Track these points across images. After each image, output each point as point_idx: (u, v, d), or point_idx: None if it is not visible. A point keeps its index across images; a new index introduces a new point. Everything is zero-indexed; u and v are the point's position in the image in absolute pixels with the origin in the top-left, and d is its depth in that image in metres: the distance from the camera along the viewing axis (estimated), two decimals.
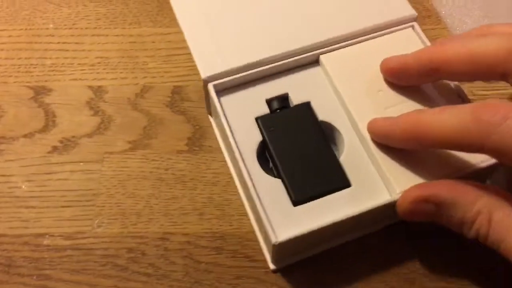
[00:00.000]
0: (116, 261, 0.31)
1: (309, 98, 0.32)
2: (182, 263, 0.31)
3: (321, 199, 0.29)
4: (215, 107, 0.32)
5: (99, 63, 0.39)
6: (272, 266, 0.31)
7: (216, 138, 0.35)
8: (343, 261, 0.31)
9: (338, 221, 0.27)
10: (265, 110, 0.32)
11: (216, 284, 0.30)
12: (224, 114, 0.31)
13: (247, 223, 0.32)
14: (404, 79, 0.30)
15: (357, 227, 0.31)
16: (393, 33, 0.34)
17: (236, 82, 0.32)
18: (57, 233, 0.32)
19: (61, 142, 0.36)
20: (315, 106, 0.32)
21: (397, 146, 0.28)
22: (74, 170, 0.35)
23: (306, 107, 0.32)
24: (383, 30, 0.34)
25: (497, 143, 0.21)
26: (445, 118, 0.23)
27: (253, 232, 0.32)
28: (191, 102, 0.37)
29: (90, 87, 0.38)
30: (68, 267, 0.31)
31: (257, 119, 0.31)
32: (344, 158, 0.30)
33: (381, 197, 0.28)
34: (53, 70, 0.39)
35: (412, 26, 0.34)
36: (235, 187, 0.34)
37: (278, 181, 0.29)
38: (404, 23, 0.34)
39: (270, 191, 0.29)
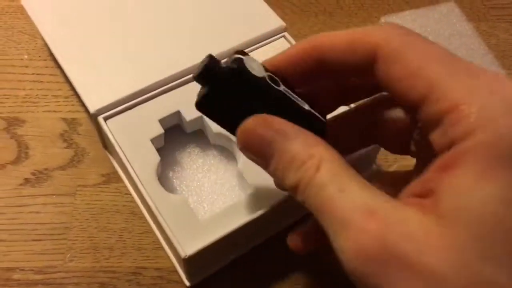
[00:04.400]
0: None
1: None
2: None
3: (224, 208, 0.30)
4: (107, 138, 0.33)
5: (73, 95, 0.40)
6: (187, 283, 0.31)
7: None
8: (256, 265, 0.32)
9: (238, 227, 0.29)
10: (157, 129, 0.33)
11: None
12: (117, 142, 0.32)
13: None
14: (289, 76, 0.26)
15: (263, 230, 0.32)
16: (268, 45, 0.37)
17: (123, 110, 0.34)
18: (27, 267, 0.32)
19: (33, 174, 0.36)
20: None
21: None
22: (46, 203, 0.34)
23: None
24: (258, 43, 0.37)
25: None
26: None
27: None
28: None
29: (64, 119, 0.38)
30: None
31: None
32: (242, 166, 0.31)
33: (276, 198, 0.30)
34: (26, 102, 0.39)
35: (284, 36, 0.38)
36: None
37: (182, 198, 0.31)
38: (276, 34, 0.38)
39: (174, 209, 0.30)
